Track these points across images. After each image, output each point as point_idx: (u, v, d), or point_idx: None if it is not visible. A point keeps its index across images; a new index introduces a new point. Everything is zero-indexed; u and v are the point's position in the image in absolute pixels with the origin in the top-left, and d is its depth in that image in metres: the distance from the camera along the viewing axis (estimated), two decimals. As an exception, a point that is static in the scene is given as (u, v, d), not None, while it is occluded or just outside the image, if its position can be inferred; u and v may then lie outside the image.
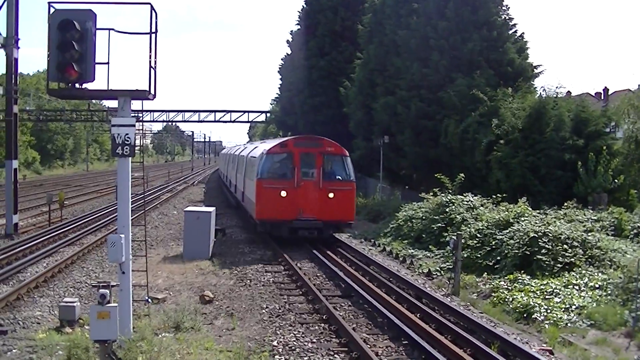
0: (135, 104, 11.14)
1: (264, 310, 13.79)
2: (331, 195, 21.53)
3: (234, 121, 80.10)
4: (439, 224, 22.79)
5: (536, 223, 18.41)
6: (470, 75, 31.26)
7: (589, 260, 16.90)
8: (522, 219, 19.39)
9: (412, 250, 22.19)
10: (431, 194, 25.19)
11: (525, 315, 13.81)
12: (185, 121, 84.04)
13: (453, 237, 17.07)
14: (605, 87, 61.12)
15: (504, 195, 23.68)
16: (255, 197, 21.94)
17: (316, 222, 21.46)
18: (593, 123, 27.28)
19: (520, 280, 15.75)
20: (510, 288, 15.50)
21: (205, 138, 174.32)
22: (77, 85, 9.90)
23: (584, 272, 16.02)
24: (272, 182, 21.63)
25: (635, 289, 13.03)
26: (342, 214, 21.86)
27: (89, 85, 10.02)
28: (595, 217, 21.23)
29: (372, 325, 12.90)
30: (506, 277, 16.36)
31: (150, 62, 10.42)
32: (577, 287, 14.98)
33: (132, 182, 10.70)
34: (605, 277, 15.37)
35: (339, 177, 22.19)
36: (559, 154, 26.13)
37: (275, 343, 11.45)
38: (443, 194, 24.56)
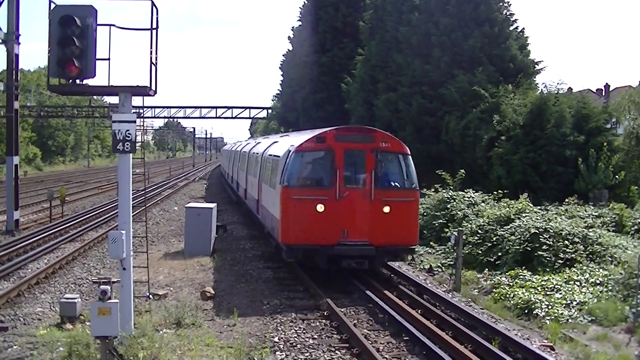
0: (136, 100, 11.12)
1: (264, 307, 13.80)
2: (387, 209, 15.82)
3: (235, 117, 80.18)
4: (440, 220, 22.77)
5: (537, 219, 18.41)
6: (471, 71, 31.27)
7: (590, 256, 16.90)
8: (523, 215, 19.39)
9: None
10: (432, 190, 25.19)
11: (526, 311, 13.82)
12: (186, 117, 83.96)
13: (454, 233, 17.07)
14: (607, 83, 61.36)
15: (505, 191, 23.68)
16: (280, 212, 16.15)
17: (367, 247, 15.74)
18: (594, 119, 27.27)
19: (521, 276, 15.76)
20: (511, 284, 15.50)
21: (206, 134, 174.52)
22: (77, 81, 9.91)
23: (584, 268, 16.03)
24: (305, 192, 15.88)
25: (636, 284, 13.03)
26: (402, 235, 16.07)
27: (89, 81, 10.04)
28: (596, 213, 21.22)
29: (373, 322, 12.90)
30: (507, 273, 16.37)
31: (151, 58, 10.44)
32: (578, 283, 14.98)
33: (133, 178, 10.71)
34: (606, 273, 15.37)
35: (397, 184, 16.48)
36: (560, 150, 26.13)
37: (276, 339, 11.46)
38: (444, 190, 24.55)
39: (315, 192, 15.92)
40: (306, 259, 16.02)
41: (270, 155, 20.09)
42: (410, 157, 16.72)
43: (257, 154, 23.80)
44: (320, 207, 15.62)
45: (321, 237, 15.60)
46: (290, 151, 16.67)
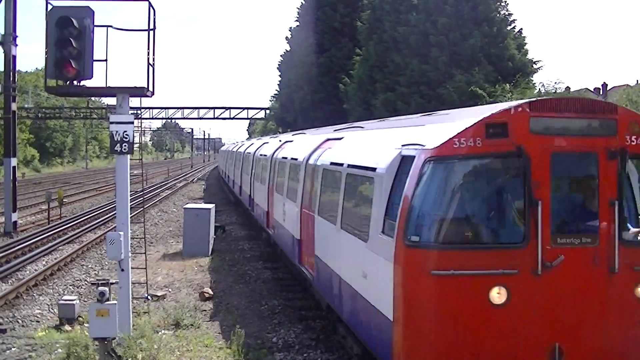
0: (134, 101, 11.13)
1: (263, 307, 13.78)
2: None
3: (233, 118, 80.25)
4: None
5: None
6: (469, 71, 31.26)
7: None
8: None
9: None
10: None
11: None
12: (184, 118, 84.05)
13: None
14: (604, 82, 61.43)
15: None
16: (399, 303, 6.99)
17: None
18: (592, 119, 27.26)
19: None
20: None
21: (204, 135, 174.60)
22: (75, 82, 9.90)
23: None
24: (460, 257, 6.78)
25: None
26: None
27: (87, 83, 10.03)
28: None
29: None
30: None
31: (148, 59, 10.41)
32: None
33: (132, 179, 10.70)
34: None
35: None
36: (559, 150, 26.12)
37: (274, 340, 11.45)
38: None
39: (484, 258, 6.82)
40: None
41: (338, 165, 10.38)
42: None
43: (295, 160, 14.67)
44: (498, 295, 6.80)
45: None
46: (414, 158, 7.24)
